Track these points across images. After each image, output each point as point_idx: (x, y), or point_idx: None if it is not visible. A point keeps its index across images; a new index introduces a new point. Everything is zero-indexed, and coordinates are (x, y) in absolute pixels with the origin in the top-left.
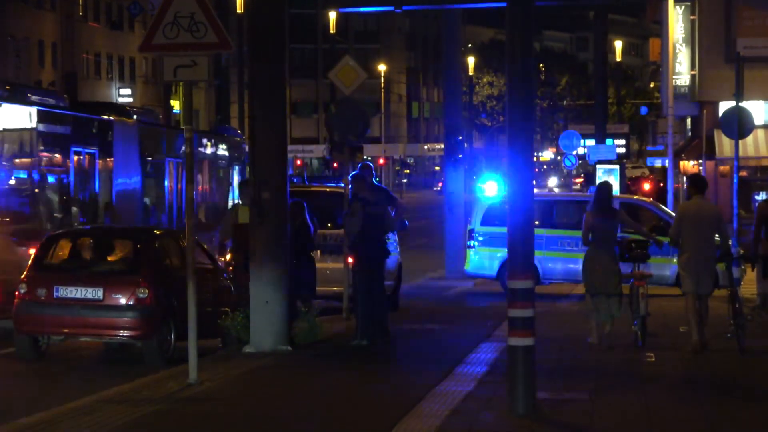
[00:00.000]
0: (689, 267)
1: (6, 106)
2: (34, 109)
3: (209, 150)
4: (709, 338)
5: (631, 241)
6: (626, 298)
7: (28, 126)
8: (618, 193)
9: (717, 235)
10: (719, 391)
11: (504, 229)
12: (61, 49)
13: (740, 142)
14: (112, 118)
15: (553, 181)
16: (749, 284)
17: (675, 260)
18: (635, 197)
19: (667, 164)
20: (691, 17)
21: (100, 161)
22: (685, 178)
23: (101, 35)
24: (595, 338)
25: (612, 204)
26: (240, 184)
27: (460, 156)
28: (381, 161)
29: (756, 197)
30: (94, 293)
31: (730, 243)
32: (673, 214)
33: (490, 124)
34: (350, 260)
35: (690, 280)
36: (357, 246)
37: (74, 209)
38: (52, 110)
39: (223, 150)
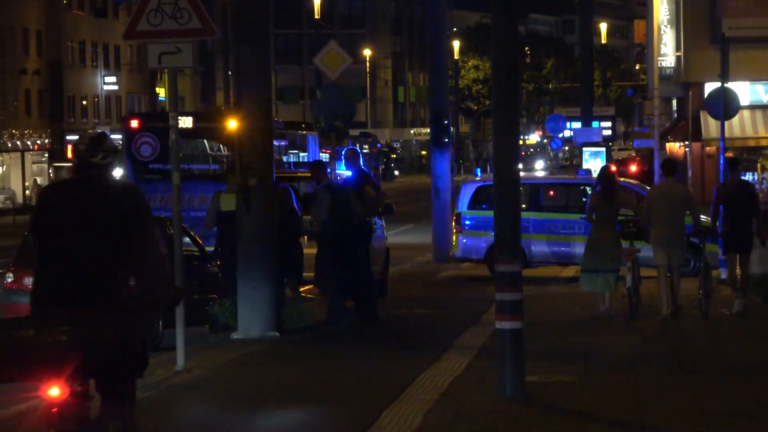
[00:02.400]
0: (662, 242)
1: None
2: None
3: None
4: (681, 306)
5: (629, 221)
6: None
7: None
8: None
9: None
10: (708, 372)
11: (491, 213)
12: (46, 37)
13: (726, 123)
14: (305, 131)
15: (540, 164)
16: None
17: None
18: (621, 179)
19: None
20: None
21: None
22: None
23: (86, 23)
24: (602, 307)
25: (615, 188)
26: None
27: (446, 140)
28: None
29: (742, 178)
30: None
31: (701, 219)
32: None
33: (476, 107)
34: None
35: (661, 254)
36: (324, 233)
37: None
38: (278, 129)
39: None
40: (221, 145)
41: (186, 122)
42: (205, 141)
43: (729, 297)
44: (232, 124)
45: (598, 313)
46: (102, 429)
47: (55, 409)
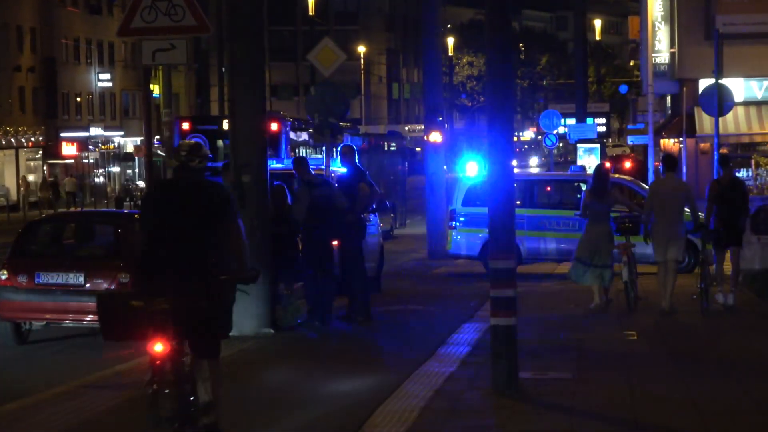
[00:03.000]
0: (661, 237)
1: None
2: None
3: None
4: (677, 303)
5: (625, 217)
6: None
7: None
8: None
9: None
10: (701, 367)
11: (485, 209)
12: (40, 34)
13: (720, 119)
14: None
15: (534, 161)
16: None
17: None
18: (615, 176)
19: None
20: None
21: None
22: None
23: (80, 20)
24: (596, 300)
25: (607, 186)
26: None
27: (441, 136)
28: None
29: (736, 174)
30: (76, 278)
31: (700, 215)
32: None
33: (470, 104)
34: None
35: (660, 249)
36: (306, 230)
37: None
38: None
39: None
40: None
41: (225, 125)
42: None
43: (722, 291)
44: (273, 126)
45: (592, 309)
46: (193, 378)
47: (159, 362)
